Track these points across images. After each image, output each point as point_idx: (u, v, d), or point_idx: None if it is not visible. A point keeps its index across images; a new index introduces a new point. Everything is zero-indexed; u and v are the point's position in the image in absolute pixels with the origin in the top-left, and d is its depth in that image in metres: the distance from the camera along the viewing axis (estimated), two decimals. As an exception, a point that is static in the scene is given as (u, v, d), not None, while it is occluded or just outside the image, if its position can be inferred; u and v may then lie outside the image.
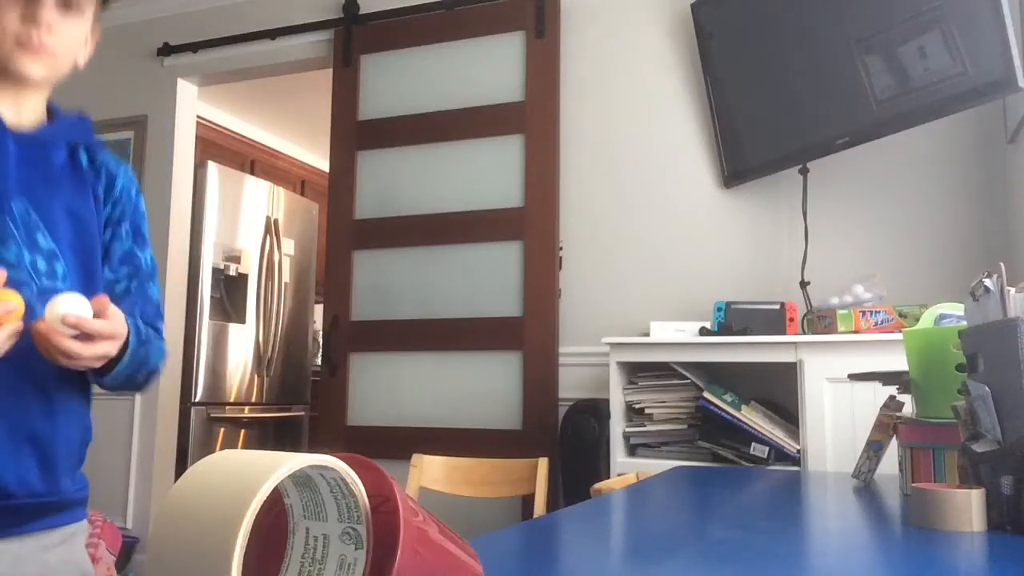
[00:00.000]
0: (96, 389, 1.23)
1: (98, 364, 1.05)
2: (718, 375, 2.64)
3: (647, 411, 2.54)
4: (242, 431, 4.28)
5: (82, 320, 0.99)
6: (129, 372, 1.14)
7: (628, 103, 3.09)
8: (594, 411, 2.64)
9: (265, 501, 0.46)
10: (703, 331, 2.49)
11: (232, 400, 4.22)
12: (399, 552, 0.51)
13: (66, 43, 1.18)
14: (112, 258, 1.22)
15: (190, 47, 3.85)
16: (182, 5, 3.94)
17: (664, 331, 2.57)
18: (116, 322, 1.04)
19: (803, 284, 2.66)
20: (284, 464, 0.48)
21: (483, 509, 2.82)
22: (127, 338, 1.09)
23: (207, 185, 4.12)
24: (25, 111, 1.18)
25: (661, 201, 3.00)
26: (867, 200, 2.73)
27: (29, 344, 0.99)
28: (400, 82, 3.37)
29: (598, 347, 2.89)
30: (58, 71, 1.21)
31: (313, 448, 4.54)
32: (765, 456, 2.32)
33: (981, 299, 1.09)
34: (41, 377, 1.09)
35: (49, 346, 0.99)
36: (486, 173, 3.17)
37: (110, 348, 1.04)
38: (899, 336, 2.10)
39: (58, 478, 1.13)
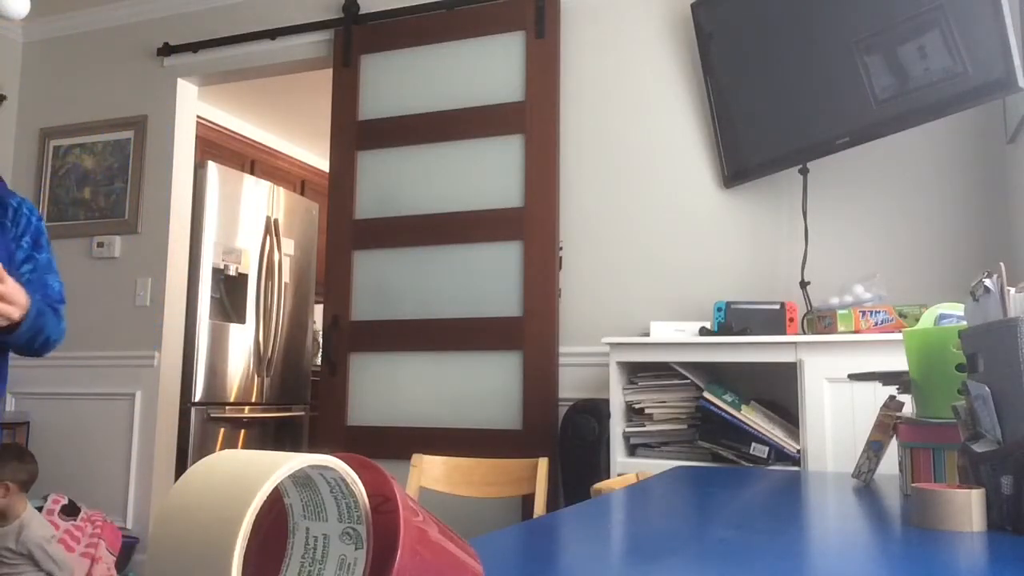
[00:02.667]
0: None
1: (4, 323, 1.48)
2: (718, 375, 2.64)
3: (647, 411, 2.54)
4: (242, 431, 4.29)
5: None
6: (30, 334, 1.57)
7: (628, 103, 3.09)
8: (594, 411, 2.64)
9: (265, 501, 0.46)
10: (703, 331, 2.49)
11: (232, 400, 4.23)
12: (399, 552, 0.51)
13: None
14: (17, 261, 1.69)
15: (190, 47, 3.85)
16: (182, 5, 3.95)
17: (664, 331, 2.57)
18: (17, 289, 1.49)
19: (803, 284, 2.66)
20: (284, 464, 0.48)
21: (483, 509, 2.83)
22: (29, 308, 1.53)
23: (207, 185, 4.12)
24: None
25: (661, 201, 3.00)
26: (867, 200, 2.73)
27: None
28: (400, 82, 3.37)
29: (598, 347, 2.89)
30: None
31: (313, 448, 4.54)
32: (765, 456, 2.32)
33: (981, 299, 1.09)
34: None
35: None
36: (486, 173, 3.17)
37: (13, 311, 1.47)
38: (899, 336, 2.10)
39: None
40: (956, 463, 1.18)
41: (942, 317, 1.49)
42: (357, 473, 0.54)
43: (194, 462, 3.94)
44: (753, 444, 2.34)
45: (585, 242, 3.07)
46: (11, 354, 1.70)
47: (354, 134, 3.40)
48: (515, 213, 3.10)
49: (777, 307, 2.48)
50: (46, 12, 4.13)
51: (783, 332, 2.42)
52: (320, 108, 4.98)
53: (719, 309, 2.52)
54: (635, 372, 2.61)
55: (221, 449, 4.10)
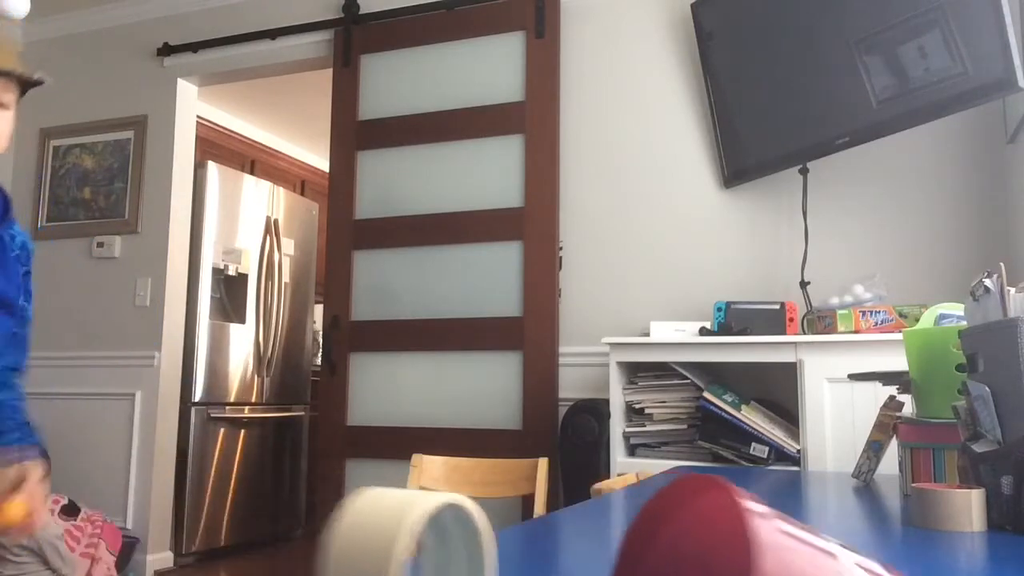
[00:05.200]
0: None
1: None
2: (718, 375, 2.64)
3: (647, 411, 2.54)
4: (242, 431, 4.29)
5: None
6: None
7: (628, 103, 3.09)
8: (594, 411, 2.64)
9: None
10: (703, 331, 2.49)
11: (232, 400, 4.22)
12: None
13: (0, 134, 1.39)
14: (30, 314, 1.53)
15: (190, 47, 3.85)
16: (182, 5, 3.95)
17: (664, 331, 2.57)
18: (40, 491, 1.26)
19: (803, 284, 2.66)
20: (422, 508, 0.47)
21: (483, 509, 2.82)
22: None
23: (207, 185, 4.12)
24: None
25: (661, 201, 3.00)
26: (867, 200, 2.73)
27: None
28: (400, 82, 3.37)
29: (598, 347, 2.89)
30: None
31: (313, 448, 4.54)
32: (765, 456, 2.32)
33: (981, 299, 1.09)
34: None
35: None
36: (486, 173, 3.17)
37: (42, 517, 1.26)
38: (899, 336, 2.10)
39: None
40: (956, 463, 1.18)
41: (942, 317, 1.49)
42: (692, 497, 0.46)
43: (194, 462, 3.96)
44: (753, 444, 2.34)
45: (585, 242, 3.07)
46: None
47: (354, 134, 3.40)
48: (515, 213, 3.09)
49: (777, 307, 2.48)
50: (46, 12, 4.13)
51: (783, 332, 2.42)
52: (320, 108, 4.99)
53: (719, 309, 2.52)
54: (635, 372, 2.61)
55: (221, 449, 4.11)
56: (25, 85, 1.43)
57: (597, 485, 1.67)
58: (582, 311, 3.03)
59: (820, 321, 2.42)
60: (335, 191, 3.40)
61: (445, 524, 0.53)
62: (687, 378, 2.50)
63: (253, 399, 4.37)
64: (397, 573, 0.44)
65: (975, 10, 2.18)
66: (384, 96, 3.39)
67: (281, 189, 4.72)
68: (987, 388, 1.01)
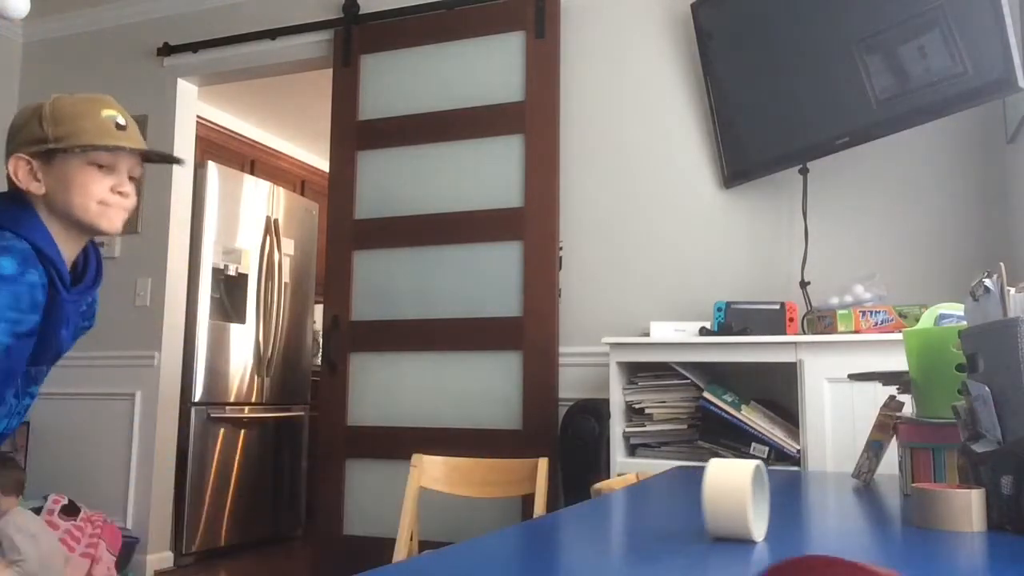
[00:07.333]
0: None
1: None
2: (718, 375, 2.64)
3: (647, 411, 2.54)
4: (242, 431, 4.28)
5: None
6: None
7: (628, 103, 3.09)
8: (594, 411, 2.64)
9: None
10: (703, 331, 2.49)
11: (232, 400, 4.22)
12: None
13: (134, 203, 1.52)
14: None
15: (190, 47, 3.85)
16: (182, 5, 3.95)
17: (664, 331, 2.57)
18: None
19: (803, 284, 2.66)
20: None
21: (483, 509, 2.83)
22: None
23: (207, 185, 4.12)
24: (78, 251, 1.52)
25: (661, 201, 3.00)
26: (867, 200, 2.73)
27: None
28: (400, 82, 3.37)
29: (598, 347, 2.89)
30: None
31: (313, 448, 4.54)
32: (765, 456, 2.32)
33: (981, 299, 1.09)
34: None
35: None
36: (486, 173, 3.17)
37: None
38: (899, 336, 2.10)
39: None
40: (956, 463, 1.18)
41: (942, 317, 1.49)
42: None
43: (194, 462, 3.95)
44: (753, 444, 2.34)
45: (585, 242, 3.07)
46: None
47: (354, 134, 3.40)
48: (515, 213, 3.09)
49: (777, 307, 2.48)
50: (46, 12, 4.13)
51: (783, 332, 2.42)
52: (320, 108, 4.99)
53: (719, 309, 2.52)
54: (635, 372, 2.61)
55: (221, 449, 4.11)
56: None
57: (597, 485, 1.67)
58: (582, 311, 3.03)
59: (820, 321, 2.42)
60: (335, 191, 3.40)
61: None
62: (687, 378, 2.50)
63: (253, 399, 4.37)
64: (748, 500, 0.86)
65: (975, 10, 2.18)
66: (384, 96, 3.39)
67: (281, 189, 4.72)
68: (987, 388, 1.01)
